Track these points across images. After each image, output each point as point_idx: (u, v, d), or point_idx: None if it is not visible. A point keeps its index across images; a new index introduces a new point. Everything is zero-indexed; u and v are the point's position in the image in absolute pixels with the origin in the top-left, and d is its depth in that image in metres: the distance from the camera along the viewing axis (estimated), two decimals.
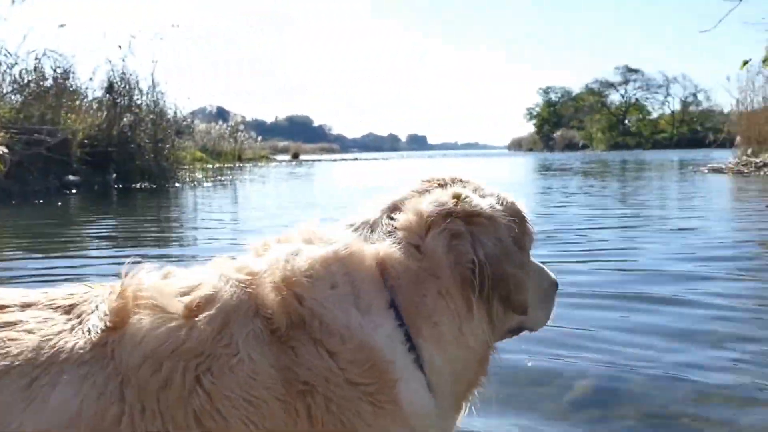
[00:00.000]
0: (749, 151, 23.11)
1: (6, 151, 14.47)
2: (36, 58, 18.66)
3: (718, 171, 19.79)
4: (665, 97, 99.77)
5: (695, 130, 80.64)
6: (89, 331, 1.04)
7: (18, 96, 18.15)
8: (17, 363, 0.98)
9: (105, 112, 20.30)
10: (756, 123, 24.15)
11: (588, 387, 2.86)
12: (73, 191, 16.65)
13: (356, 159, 70.92)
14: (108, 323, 1.05)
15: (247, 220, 10.93)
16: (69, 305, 1.10)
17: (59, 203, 13.96)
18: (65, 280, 2.37)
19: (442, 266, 1.29)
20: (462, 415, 1.40)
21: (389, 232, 1.34)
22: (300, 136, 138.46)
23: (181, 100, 24.11)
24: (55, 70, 19.22)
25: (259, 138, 62.12)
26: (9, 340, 1.01)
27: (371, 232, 1.35)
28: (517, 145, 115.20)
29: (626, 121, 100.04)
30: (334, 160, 63.41)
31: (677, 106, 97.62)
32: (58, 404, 0.96)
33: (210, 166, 31.52)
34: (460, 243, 1.31)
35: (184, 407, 1.00)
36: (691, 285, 4.76)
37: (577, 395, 2.79)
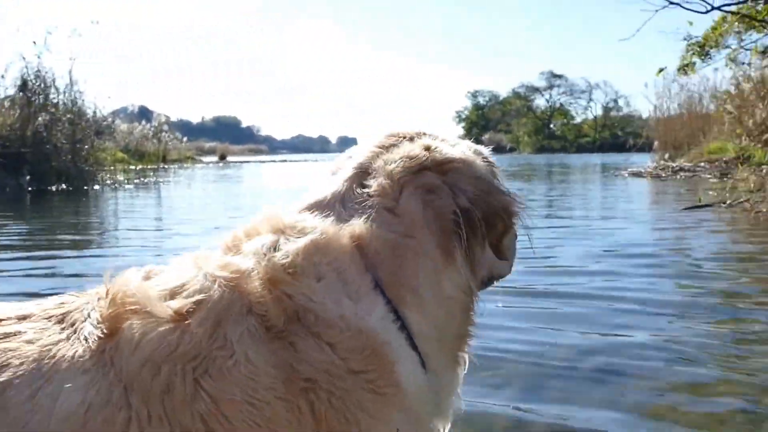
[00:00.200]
0: (666, 155, 24.38)
1: None
2: None
3: (637, 175, 20.68)
4: (588, 102, 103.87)
5: (616, 135, 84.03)
6: (86, 339, 1.04)
7: None
8: (20, 373, 0.98)
9: (18, 111, 19.36)
10: (672, 129, 25.51)
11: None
12: None
13: (285, 161, 70.37)
14: (104, 330, 1.05)
15: (172, 224, 10.65)
16: (61, 314, 1.10)
17: None
18: None
19: (418, 225, 1.26)
20: (462, 370, 1.37)
21: (362, 202, 1.29)
22: (227, 137, 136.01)
23: (101, 99, 23.23)
24: None
25: (185, 139, 60.74)
26: (9, 351, 1.01)
27: (343, 206, 1.29)
28: None
29: (551, 125, 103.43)
30: (263, 162, 62.69)
31: (599, 112, 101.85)
32: (64, 414, 0.95)
33: (132, 167, 30.64)
34: (437, 197, 1.28)
35: (190, 411, 0.99)
36: (606, 282, 5.05)
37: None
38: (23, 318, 1.08)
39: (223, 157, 70.13)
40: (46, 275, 5.86)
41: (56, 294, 1.23)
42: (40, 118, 19.42)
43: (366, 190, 1.31)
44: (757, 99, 16.93)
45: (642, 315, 4.15)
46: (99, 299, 1.11)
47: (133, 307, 1.07)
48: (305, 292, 1.13)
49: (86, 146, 20.93)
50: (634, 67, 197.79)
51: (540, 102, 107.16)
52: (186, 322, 1.05)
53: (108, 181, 21.37)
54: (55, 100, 20.65)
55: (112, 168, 23.81)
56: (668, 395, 2.85)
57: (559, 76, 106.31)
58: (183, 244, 7.50)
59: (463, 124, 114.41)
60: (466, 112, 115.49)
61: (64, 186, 18.91)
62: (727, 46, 19.42)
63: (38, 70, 20.23)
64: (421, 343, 1.21)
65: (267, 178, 29.20)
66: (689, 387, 2.93)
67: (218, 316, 1.07)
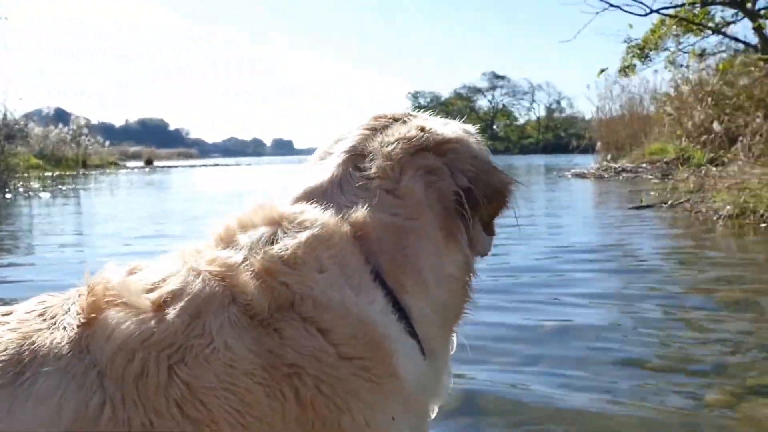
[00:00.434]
0: (609, 156, 25.19)
1: None
2: None
3: (581, 176, 21.29)
4: (531, 103, 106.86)
5: (559, 136, 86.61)
6: (65, 328, 1.07)
7: None
8: (3, 358, 1.02)
9: None
10: (614, 130, 26.40)
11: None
12: None
13: (217, 165, 69.31)
14: (82, 320, 1.07)
15: (94, 234, 10.33)
16: (43, 309, 1.13)
17: None
18: None
19: (421, 207, 1.29)
20: (452, 347, 1.41)
21: (361, 185, 1.31)
22: (154, 141, 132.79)
23: (11, 101, 22.49)
24: None
25: (107, 143, 59.33)
26: None
27: (342, 192, 1.31)
28: None
29: (494, 126, 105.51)
30: (193, 166, 61.56)
31: (542, 113, 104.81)
32: (41, 396, 0.98)
33: (49, 174, 29.63)
34: (439, 178, 1.32)
35: (164, 396, 1.00)
36: (552, 282, 5.25)
37: None
38: (6, 314, 1.13)
39: (149, 162, 68.58)
40: None
41: None
42: None
43: (364, 173, 1.32)
44: (695, 101, 17.65)
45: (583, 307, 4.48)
46: (80, 295, 1.14)
47: (112, 299, 1.09)
48: (306, 281, 1.13)
49: None
50: (577, 69, 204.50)
51: (482, 103, 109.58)
52: (163, 312, 1.07)
53: (21, 189, 20.62)
54: None
55: (25, 174, 23.08)
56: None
57: (502, 77, 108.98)
58: (104, 253, 7.28)
59: None
60: None
61: None
62: (666, 49, 20.31)
63: None
64: (422, 327, 1.24)
65: (198, 182, 28.66)
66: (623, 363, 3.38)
67: (198, 307, 1.08)
